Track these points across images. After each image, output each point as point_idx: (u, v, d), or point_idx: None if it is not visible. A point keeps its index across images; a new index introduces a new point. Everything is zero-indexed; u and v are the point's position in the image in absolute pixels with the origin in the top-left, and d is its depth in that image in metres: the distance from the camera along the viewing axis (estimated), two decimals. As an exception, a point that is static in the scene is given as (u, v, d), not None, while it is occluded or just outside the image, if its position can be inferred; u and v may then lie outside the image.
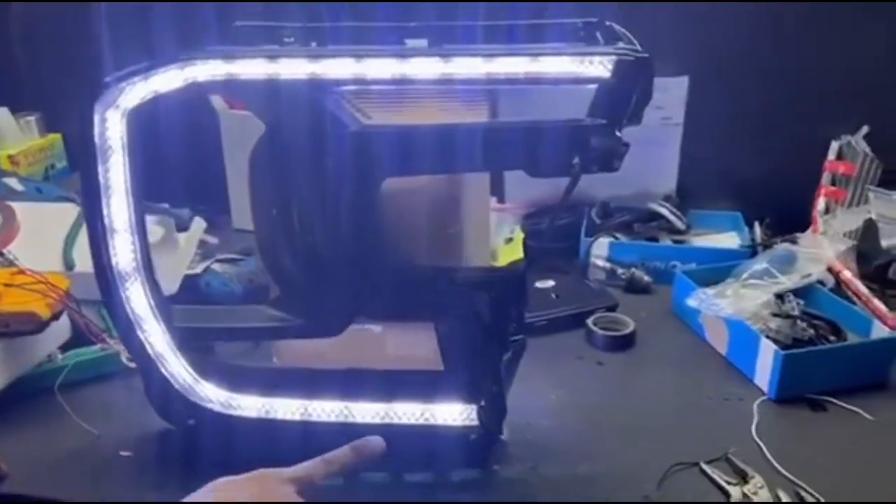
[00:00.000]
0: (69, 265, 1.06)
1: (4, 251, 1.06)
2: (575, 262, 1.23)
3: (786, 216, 1.23)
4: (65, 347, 0.97)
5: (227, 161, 1.37)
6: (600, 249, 1.20)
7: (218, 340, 0.88)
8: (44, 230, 1.11)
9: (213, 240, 1.31)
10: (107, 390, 0.94)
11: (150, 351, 0.82)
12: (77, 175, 1.36)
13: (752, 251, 1.17)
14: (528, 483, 0.79)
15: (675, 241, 1.25)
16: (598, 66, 0.71)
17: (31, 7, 1.44)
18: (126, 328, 0.81)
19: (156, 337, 0.81)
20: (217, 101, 1.34)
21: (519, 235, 1.28)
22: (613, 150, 0.75)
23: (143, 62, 0.74)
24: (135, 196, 0.78)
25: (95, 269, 0.81)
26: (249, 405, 0.81)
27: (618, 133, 0.74)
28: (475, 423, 0.80)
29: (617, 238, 1.22)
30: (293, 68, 0.74)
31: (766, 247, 1.16)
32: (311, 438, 0.81)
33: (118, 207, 0.78)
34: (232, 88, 0.77)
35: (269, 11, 0.85)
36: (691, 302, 1.00)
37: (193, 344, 0.83)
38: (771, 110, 1.26)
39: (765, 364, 0.91)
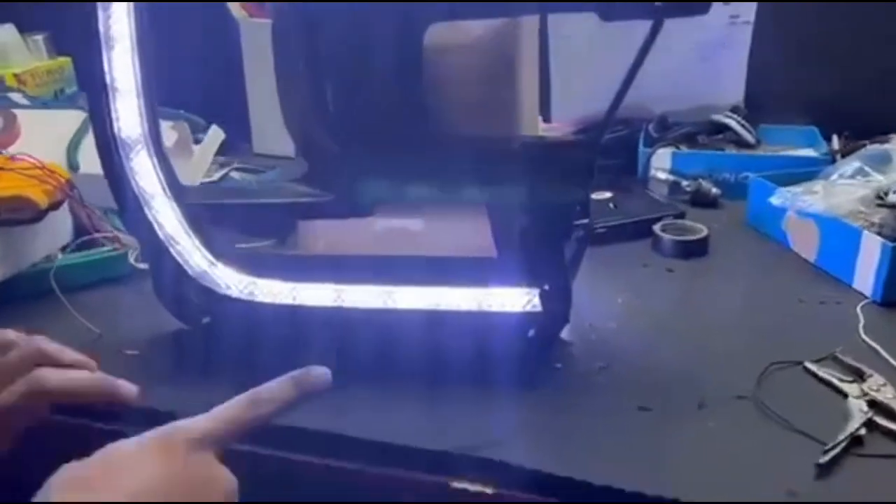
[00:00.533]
0: (73, 166, 0.96)
1: (4, 152, 0.95)
2: (632, 179, 1.10)
3: (868, 128, 1.09)
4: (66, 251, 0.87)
5: (249, 76, 1.26)
6: (662, 161, 1.07)
7: (235, 221, 0.76)
8: (47, 134, 1.01)
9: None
10: (113, 293, 0.83)
11: (159, 233, 0.71)
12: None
13: (832, 159, 1.03)
14: (598, 383, 0.67)
15: (743, 156, 1.12)
16: None
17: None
18: (133, 208, 0.71)
19: (165, 215, 0.71)
20: (237, 9, 1.23)
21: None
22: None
23: None
24: (142, 49, 0.68)
25: (97, 140, 0.70)
26: (274, 291, 0.70)
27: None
28: (537, 309, 0.68)
29: (680, 148, 1.09)
30: None
31: (847, 155, 1.03)
32: (346, 329, 0.70)
33: (121, 62, 0.68)
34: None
35: None
36: (775, 200, 0.87)
37: (208, 225, 0.72)
38: (853, 11, 1.12)
39: (867, 263, 0.79)
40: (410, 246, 0.79)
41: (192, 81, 1.19)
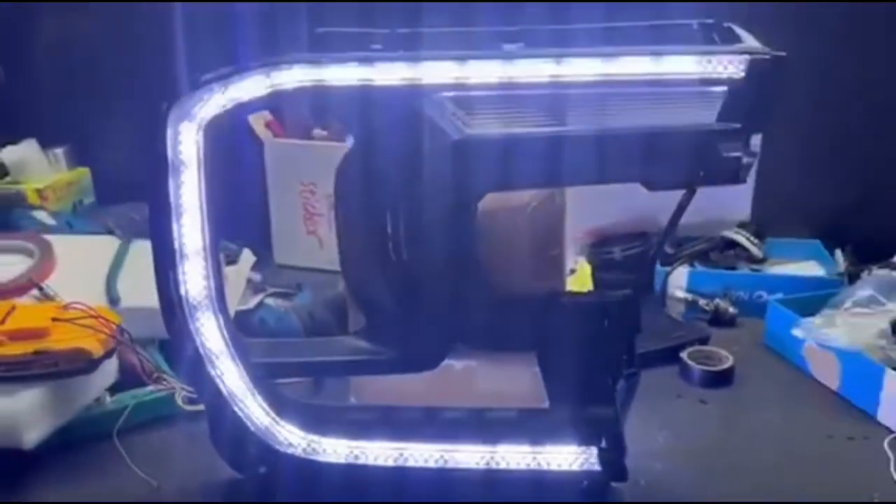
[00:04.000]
0: (113, 300, 0.97)
1: (43, 285, 0.97)
2: (650, 296, 1.14)
3: (871, 242, 1.15)
4: (111, 390, 0.88)
5: (272, 192, 1.29)
6: (679, 279, 1.12)
7: (299, 376, 0.78)
8: (83, 263, 1.02)
9: (256, 276, 1.23)
10: (162, 436, 0.85)
11: (223, 390, 0.73)
12: (105, 210, 1.30)
13: (840, 280, 1.09)
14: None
15: (753, 271, 1.17)
16: (730, 67, 0.65)
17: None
18: (194, 365, 0.73)
19: (229, 374, 0.73)
20: (261, 129, 1.27)
21: (584, 267, 1.20)
22: (743, 160, 0.68)
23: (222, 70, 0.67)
24: (209, 216, 0.71)
25: (161, 300, 0.73)
26: (335, 449, 0.72)
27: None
28: (594, 467, 0.71)
29: (695, 267, 1.14)
30: (389, 74, 0.67)
31: (853, 275, 1.08)
32: (404, 486, 0.72)
33: (191, 229, 0.70)
34: (320, 97, 0.70)
35: (351, 19, 0.78)
36: (798, 332, 0.92)
37: (270, 381, 0.74)
38: (855, 127, 1.20)
39: (891, 399, 0.83)
40: (459, 391, 0.82)
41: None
